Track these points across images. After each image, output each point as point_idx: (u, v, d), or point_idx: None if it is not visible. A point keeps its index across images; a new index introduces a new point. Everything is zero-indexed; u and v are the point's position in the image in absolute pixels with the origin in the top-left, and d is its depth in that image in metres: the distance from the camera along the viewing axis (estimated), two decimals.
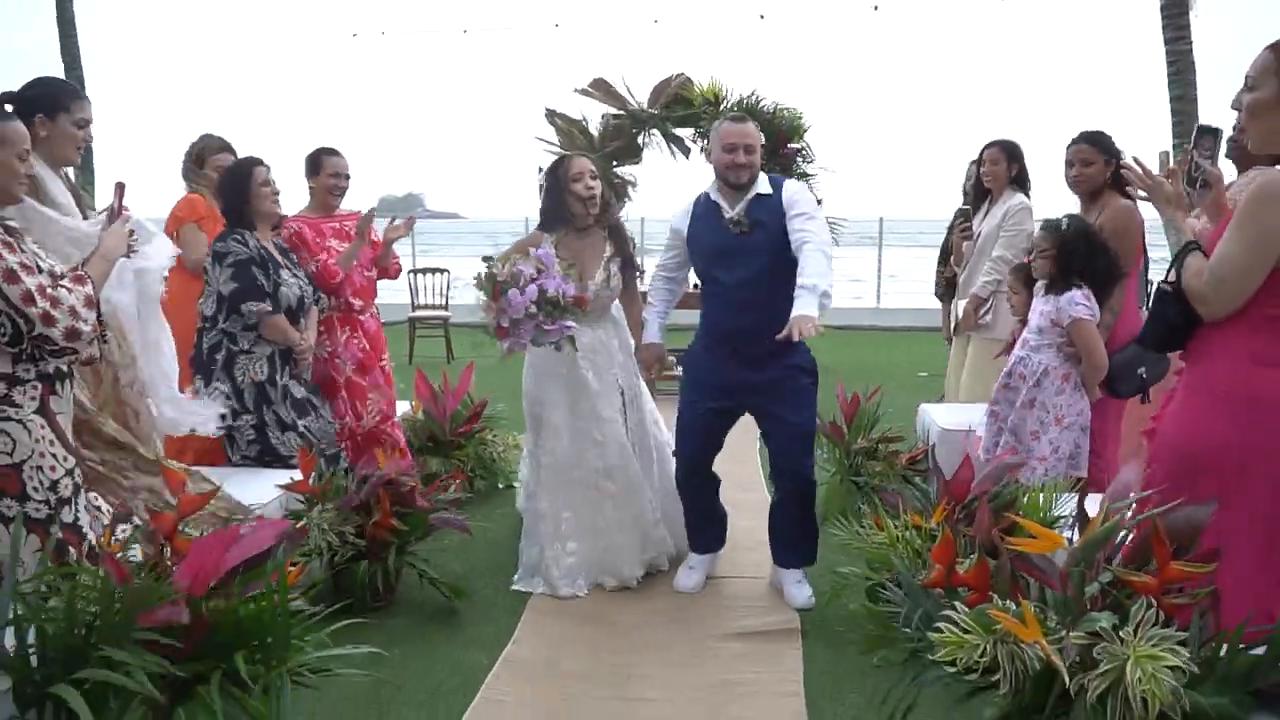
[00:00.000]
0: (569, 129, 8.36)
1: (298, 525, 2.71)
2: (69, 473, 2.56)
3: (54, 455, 2.52)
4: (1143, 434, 2.56)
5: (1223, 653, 1.96)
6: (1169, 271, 2.36)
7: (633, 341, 4.02)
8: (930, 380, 7.86)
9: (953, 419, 4.36)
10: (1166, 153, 2.61)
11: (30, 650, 2.11)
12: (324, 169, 4.41)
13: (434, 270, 10.17)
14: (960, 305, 4.92)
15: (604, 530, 3.85)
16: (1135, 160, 2.52)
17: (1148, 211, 3.29)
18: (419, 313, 9.86)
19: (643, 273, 5.24)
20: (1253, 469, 2.19)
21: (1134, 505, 2.14)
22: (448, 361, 9.24)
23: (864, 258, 14.10)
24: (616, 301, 4.05)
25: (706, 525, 3.93)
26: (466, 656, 3.29)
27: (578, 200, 3.85)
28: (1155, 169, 2.54)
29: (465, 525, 3.64)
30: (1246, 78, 2.22)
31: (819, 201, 7.22)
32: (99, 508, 2.69)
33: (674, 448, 3.93)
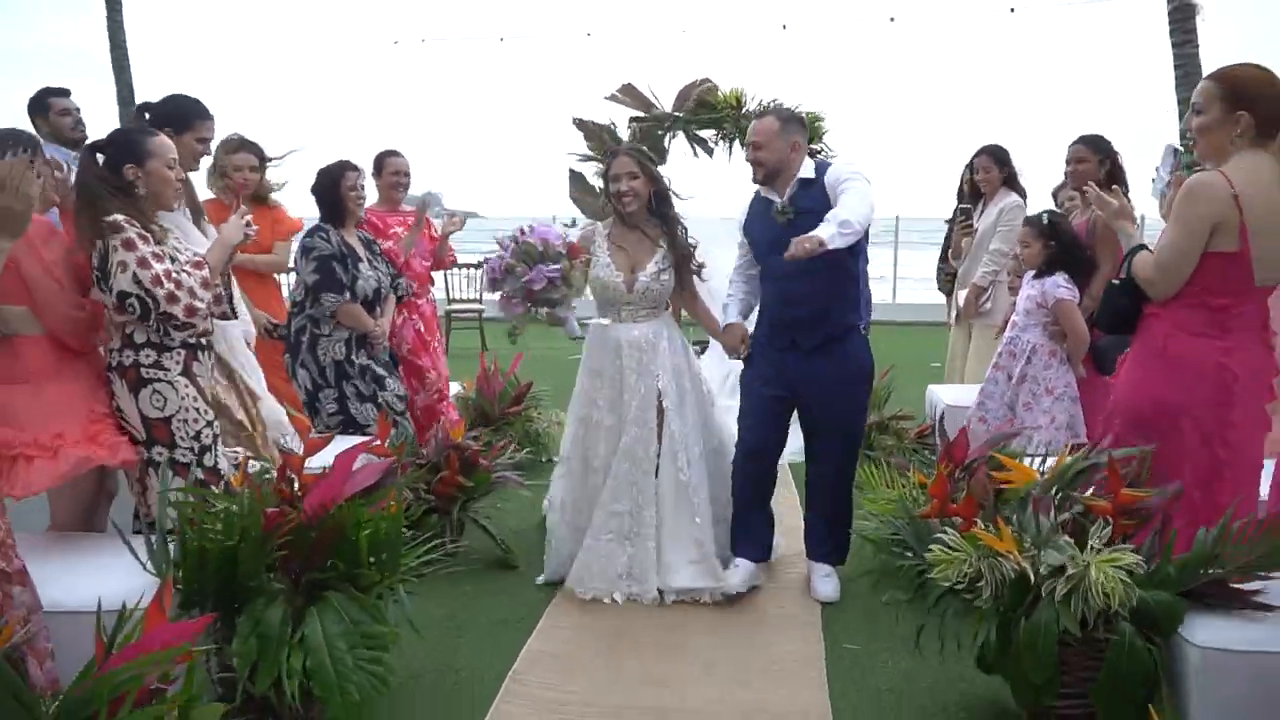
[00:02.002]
0: (599, 134, 8.83)
1: (399, 463, 3.17)
2: (209, 424, 3.06)
3: (196, 410, 3.02)
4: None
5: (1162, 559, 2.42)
6: (1120, 268, 2.84)
7: (685, 343, 3.94)
8: (942, 370, 8.28)
9: (957, 397, 4.81)
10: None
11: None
12: (386, 169, 4.96)
13: (469, 265, 10.67)
14: (961, 295, 5.38)
15: (635, 537, 3.73)
16: (1091, 186, 3.02)
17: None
18: (454, 306, 10.36)
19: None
20: (1184, 418, 2.66)
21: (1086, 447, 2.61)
22: (484, 350, 9.73)
23: (880, 256, 14.53)
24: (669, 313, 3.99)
25: (753, 525, 3.82)
26: (526, 594, 3.78)
27: (615, 198, 3.82)
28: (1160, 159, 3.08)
29: (522, 482, 4.13)
30: (1193, 104, 2.68)
31: None
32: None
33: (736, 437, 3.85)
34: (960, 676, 3.10)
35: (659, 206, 3.84)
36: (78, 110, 4.84)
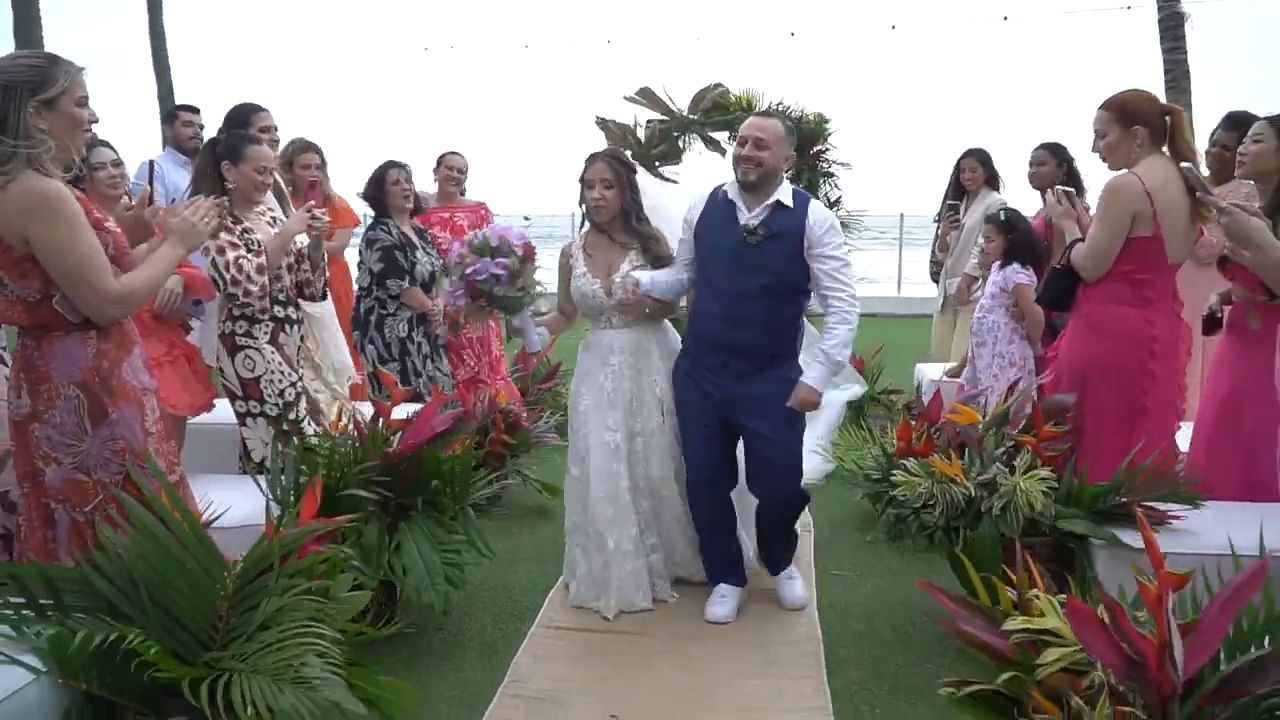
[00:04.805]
0: (621, 134, 9.46)
1: (464, 411, 3.81)
2: (292, 384, 3.70)
3: (281, 372, 3.66)
4: (1047, 354, 3.65)
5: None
6: (1061, 257, 3.46)
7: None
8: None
9: (938, 373, 5.45)
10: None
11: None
12: (441, 166, 5.60)
13: None
14: (950, 284, 6.01)
15: (631, 553, 3.63)
16: (1053, 190, 3.62)
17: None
18: None
19: None
20: (1115, 373, 3.28)
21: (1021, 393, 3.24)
22: (507, 340, 10.36)
23: (886, 252, 15.16)
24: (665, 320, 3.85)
25: (721, 554, 3.68)
26: (562, 535, 4.40)
27: (587, 205, 3.70)
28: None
29: (557, 438, 4.78)
30: (1095, 130, 3.30)
31: (838, 201, 8.19)
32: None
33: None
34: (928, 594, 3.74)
35: (631, 221, 3.67)
36: (201, 127, 5.58)
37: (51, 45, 11.78)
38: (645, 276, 3.58)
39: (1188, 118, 3.34)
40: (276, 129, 4.44)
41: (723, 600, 3.61)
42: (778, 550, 3.73)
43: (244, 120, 4.34)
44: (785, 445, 3.49)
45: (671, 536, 3.76)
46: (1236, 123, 4.14)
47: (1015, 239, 4.55)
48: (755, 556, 3.87)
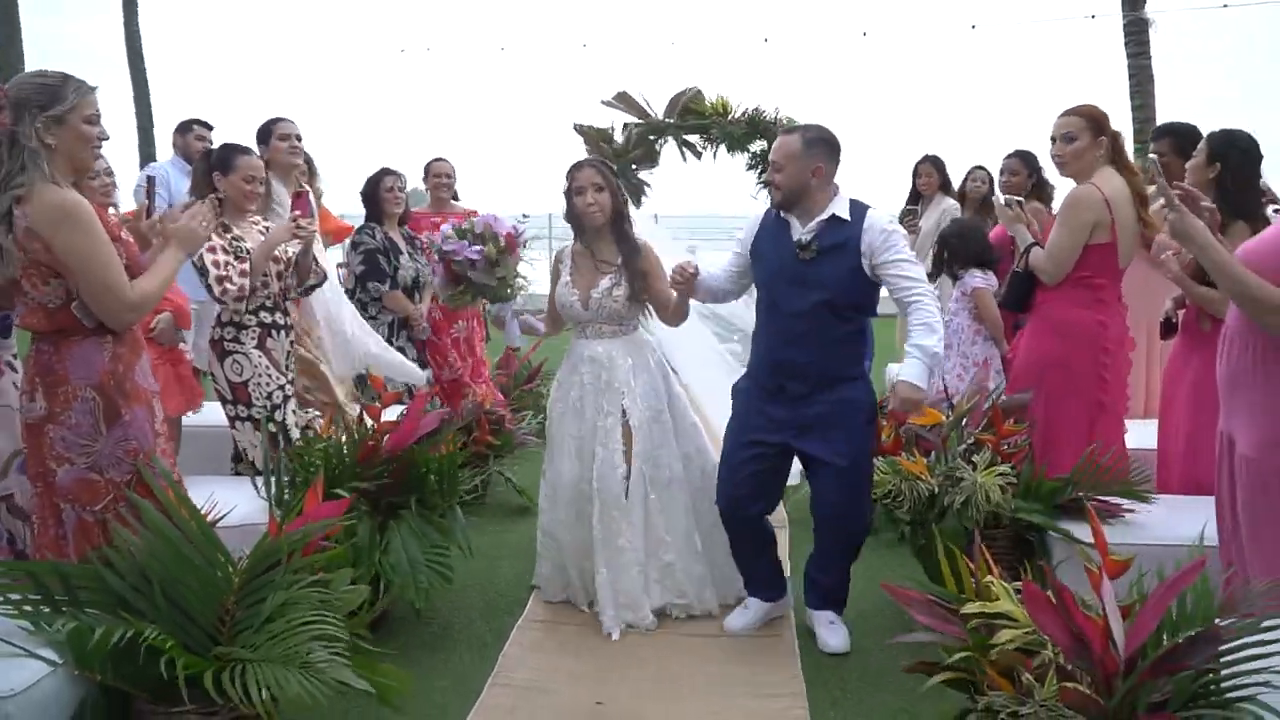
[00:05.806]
0: (597, 138, 9.60)
1: (449, 412, 3.94)
2: (280, 388, 3.81)
3: (269, 376, 3.77)
4: (1008, 353, 3.85)
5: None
6: (1018, 261, 3.65)
7: (660, 365, 3.82)
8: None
9: None
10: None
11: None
12: (430, 173, 5.74)
13: None
14: None
15: (598, 562, 3.62)
16: (996, 199, 3.81)
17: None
18: None
19: None
20: (1072, 372, 3.47)
21: (980, 393, 3.42)
22: (486, 340, 10.48)
23: None
24: (644, 333, 3.87)
25: (752, 570, 3.63)
26: None
27: (581, 211, 3.64)
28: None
29: (539, 441, 4.91)
30: (1065, 134, 3.47)
31: None
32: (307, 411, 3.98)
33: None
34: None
35: (618, 224, 3.69)
36: (211, 142, 5.69)
37: (42, 43, 11.79)
38: (702, 269, 3.59)
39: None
40: (298, 137, 4.52)
41: (743, 612, 3.62)
42: (831, 589, 3.50)
43: (268, 132, 4.44)
44: (850, 467, 3.30)
45: (621, 566, 3.60)
46: (1165, 132, 4.22)
47: (945, 248, 4.78)
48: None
